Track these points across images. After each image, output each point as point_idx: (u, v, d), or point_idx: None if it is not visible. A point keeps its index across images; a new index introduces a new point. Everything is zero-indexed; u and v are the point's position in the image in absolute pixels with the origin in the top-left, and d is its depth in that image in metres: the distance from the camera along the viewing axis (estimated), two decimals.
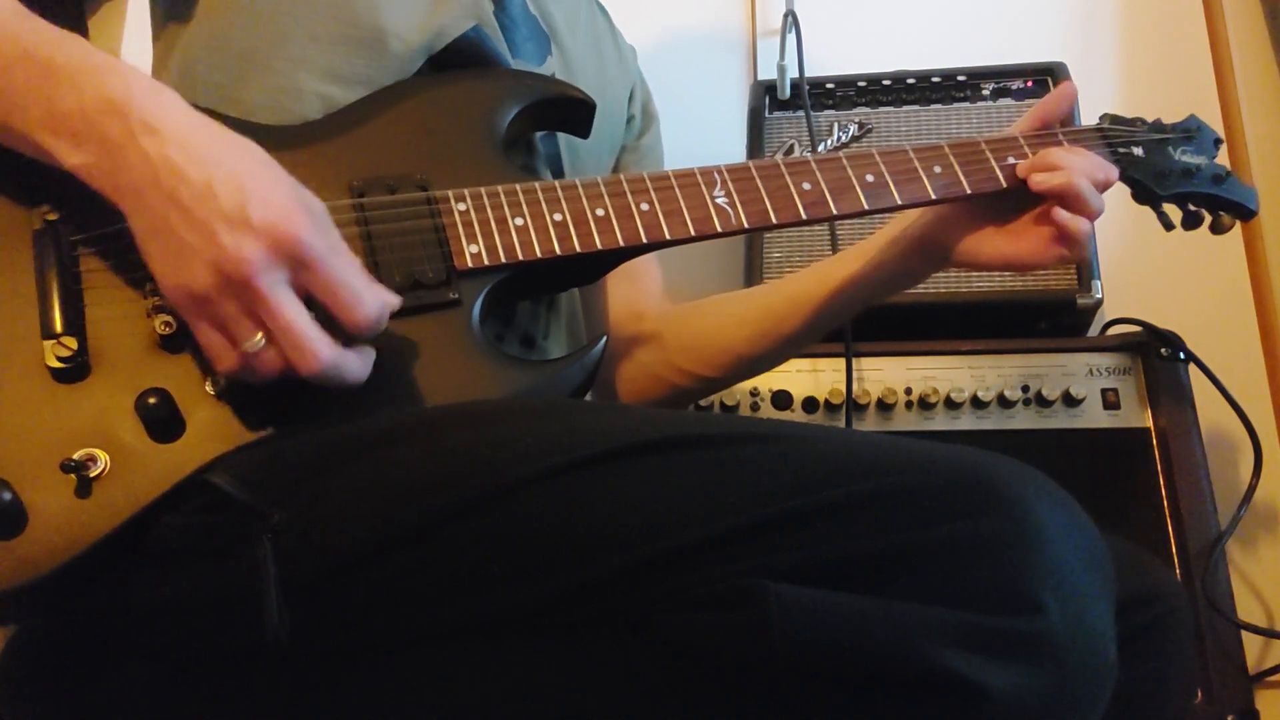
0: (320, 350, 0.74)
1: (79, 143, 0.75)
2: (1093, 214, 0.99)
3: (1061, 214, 0.98)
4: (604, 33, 1.26)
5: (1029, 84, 1.52)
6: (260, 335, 0.74)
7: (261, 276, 0.72)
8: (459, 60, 1.01)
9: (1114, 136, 1.08)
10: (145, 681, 0.77)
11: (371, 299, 0.76)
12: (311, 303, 0.75)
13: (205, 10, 0.98)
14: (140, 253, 0.76)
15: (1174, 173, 1.08)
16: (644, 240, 0.93)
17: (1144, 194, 1.09)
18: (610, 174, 1.20)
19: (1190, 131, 1.12)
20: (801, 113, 1.55)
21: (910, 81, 1.56)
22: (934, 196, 1.00)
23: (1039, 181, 0.99)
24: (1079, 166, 0.99)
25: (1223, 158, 1.12)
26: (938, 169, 1.01)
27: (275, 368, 0.75)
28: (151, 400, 0.76)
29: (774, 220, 0.96)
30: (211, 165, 0.73)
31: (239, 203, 0.72)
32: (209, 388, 0.80)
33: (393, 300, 0.79)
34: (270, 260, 0.72)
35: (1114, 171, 1.02)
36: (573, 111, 1.04)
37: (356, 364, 0.77)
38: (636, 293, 1.25)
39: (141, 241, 0.75)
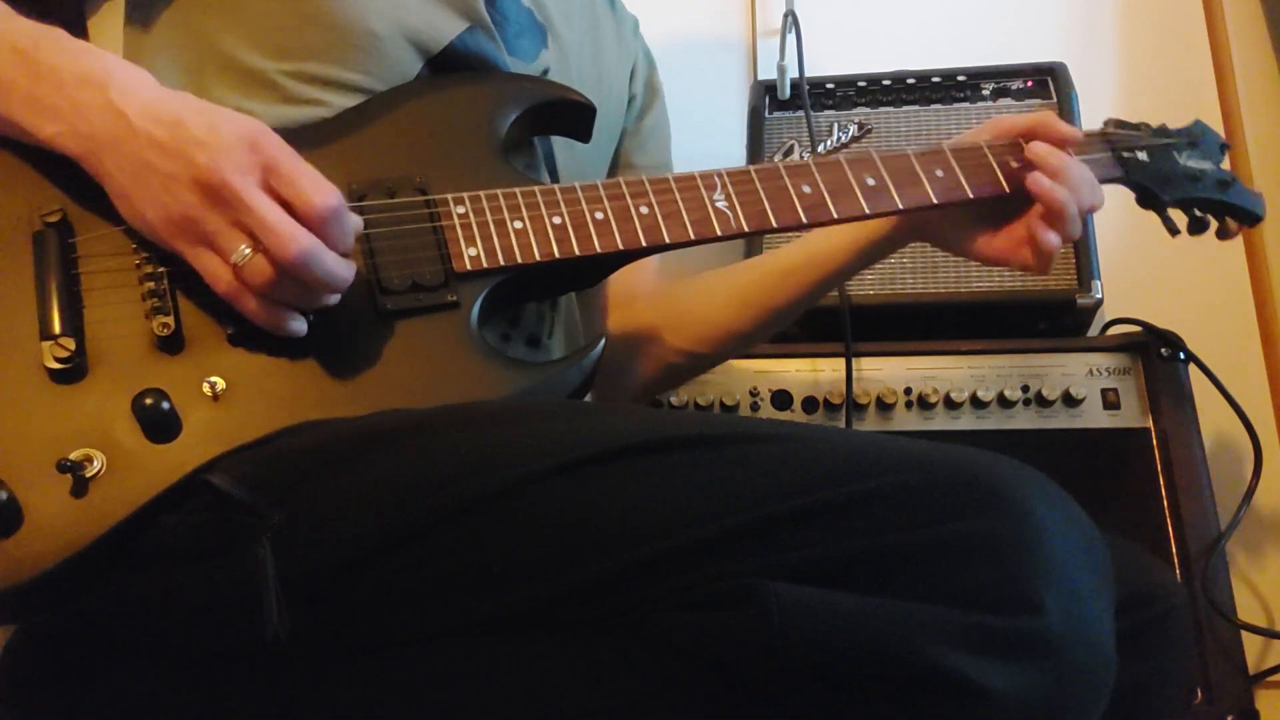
0: (298, 235, 0.77)
1: (55, 114, 0.81)
2: (1069, 237, 1.00)
3: (1038, 226, 0.99)
4: (602, 9, 1.25)
5: (1029, 84, 1.52)
6: (245, 246, 0.77)
7: (235, 181, 0.77)
8: (457, 62, 1.01)
9: (1118, 141, 1.08)
10: (145, 681, 0.78)
11: (329, 188, 0.80)
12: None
13: (176, 22, 0.98)
14: (125, 207, 0.81)
15: (1179, 178, 1.08)
16: (643, 243, 0.92)
17: (1148, 199, 1.08)
18: (611, 160, 1.20)
19: (1195, 136, 1.12)
20: (801, 113, 1.55)
21: (910, 81, 1.55)
22: (935, 200, 0.99)
23: (1037, 182, 0.99)
24: (1076, 185, 0.99)
25: (1225, 165, 1.12)
26: (939, 172, 1.00)
27: (265, 276, 0.78)
28: (148, 401, 0.76)
29: (774, 223, 0.96)
30: (179, 107, 0.81)
31: (209, 127, 0.79)
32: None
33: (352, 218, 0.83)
34: (241, 167, 0.78)
35: (1100, 199, 1.02)
36: (572, 115, 1.04)
37: (335, 259, 0.80)
38: (631, 274, 1.25)
39: (125, 191, 0.80)
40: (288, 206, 0.79)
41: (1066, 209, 0.98)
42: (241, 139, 0.79)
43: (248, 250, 0.77)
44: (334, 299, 0.82)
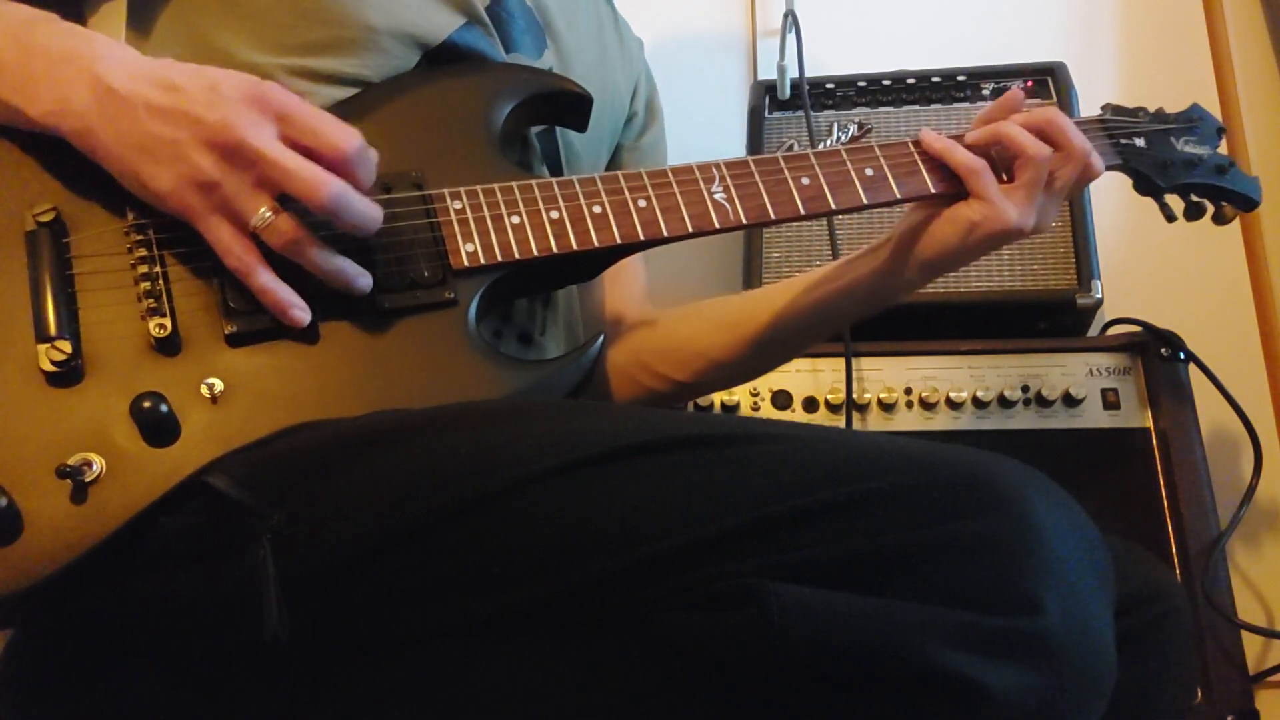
0: (328, 179, 0.78)
1: (43, 92, 0.80)
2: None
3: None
4: (606, 23, 1.25)
5: (1029, 84, 1.52)
6: (266, 208, 0.77)
7: (252, 135, 0.77)
8: (454, 58, 1.01)
9: (1115, 127, 1.07)
10: (145, 681, 0.77)
11: (349, 129, 0.80)
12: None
13: (176, 21, 0.98)
14: (131, 182, 0.80)
15: (1176, 163, 1.07)
16: (641, 237, 0.92)
17: (1146, 185, 1.08)
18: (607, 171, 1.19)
19: (1193, 121, 1.11)
20: (801, 113, 1.55)
21: (910, 81, 1.56)
22: (933, 190, 0.99)
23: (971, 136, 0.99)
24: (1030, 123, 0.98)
25: (1222, 152, 1.12)
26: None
27: (286, 236, 0.78)
28: (146, 404, 0.76)
29: (772, 216, 0.96)
30: (171, 71, 0.80)
31: (208, 86, 0.78)
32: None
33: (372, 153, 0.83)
34: (254, 119, 0.77)
35: (1097, 165, 1.00)
36: (570, 105, 1.03)
37: (365, 201, 0.81)
38: (617, 294, 1.24)
39: (129, 165, 0.79)
40: (310, 154, 0.79)
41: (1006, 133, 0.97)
42: (245, 94, 0.79)
43: (269, 213, 0.78)
44: (364, 282, 0.82)
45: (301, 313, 0.81)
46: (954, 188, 0.99)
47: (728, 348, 1.15)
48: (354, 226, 0.81)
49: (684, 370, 1.18)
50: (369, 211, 0.81)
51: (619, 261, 0.97)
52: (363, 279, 0.83)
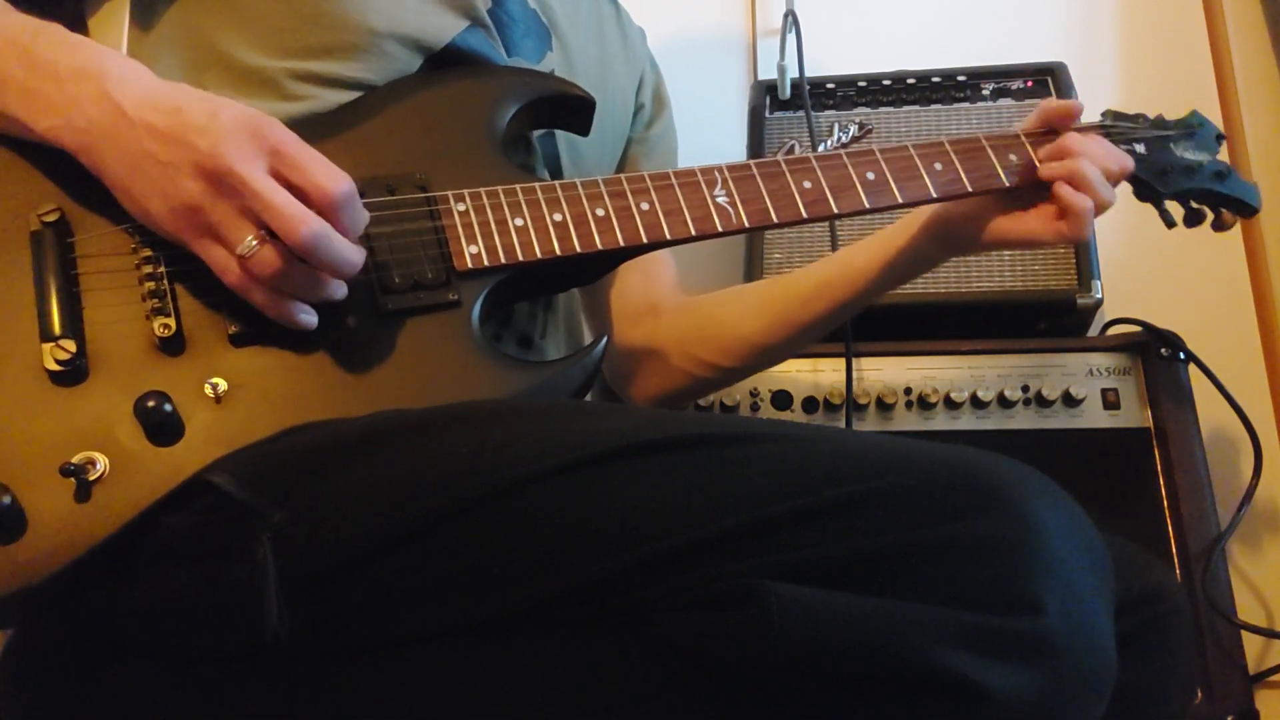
0: (308, 219, 0.77)
1: (50, 108, 0.80)
2: (1099, 200, 0.99)
3: (1064, 189, 0.98)
4: (608, 19, 1.25)
5: (1029, 84, 1.52)
6: (252, 237, 0.77)
7: (240, 165, 0.76)
8: (456, 61, 1.01)
9: (1116, 133, 1.08)
10: (145, 681, 0.77)
11: (340, 173, 0.80)
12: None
13: (178, 22, 0.98)
14: (127, 200, 0.80)
15: (1176, 170, 1.08)
16: (644, 240, 0.93)
17: (1146, 191, 1.09)
18: (616, 168, 1.20)
19: (1192, 127, 1.11)
20: (802, 113, 1.55)
21: (910, 81, 1.56)
22: (935, 195, 1.00)
23: (1048, 171, 1.00)
24: (1090, 152, 0.99)
25: (1223, 157, 1.12)
26: (939, 166, 1.01)
27: (272, 265, 0.77)
28: (150, 403, 0.76)
29: (774, 219, 0.96)
30: (178, 95, 0.80)
31: (208, 113, 0.78)
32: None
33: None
34: (245, 151, 0.77)
35: (1128, 162, 1.03)
36: (572, 109, 1.03)
37: (345, 243, 0.80)
38: (651, 285, 1.25)
39: (125, 184, 0.79)
40: (298, 193, 0.78)
41: (1082, 173, 0.98)
42: (243, 125, 0.78)
43: (254, 242, 0.77)
44: (341, 291, 0.82)
45: (308, 316, 0.81)
46: (953, 191, 1.00)
47: (770, 330, 1.18)
48: (331, 268, 0.80)
49: (729, 356, 1.20)
50: (349, 255, 0.80)
51: (648, 255, 0.98)
52: (342, 290, 0.82)
